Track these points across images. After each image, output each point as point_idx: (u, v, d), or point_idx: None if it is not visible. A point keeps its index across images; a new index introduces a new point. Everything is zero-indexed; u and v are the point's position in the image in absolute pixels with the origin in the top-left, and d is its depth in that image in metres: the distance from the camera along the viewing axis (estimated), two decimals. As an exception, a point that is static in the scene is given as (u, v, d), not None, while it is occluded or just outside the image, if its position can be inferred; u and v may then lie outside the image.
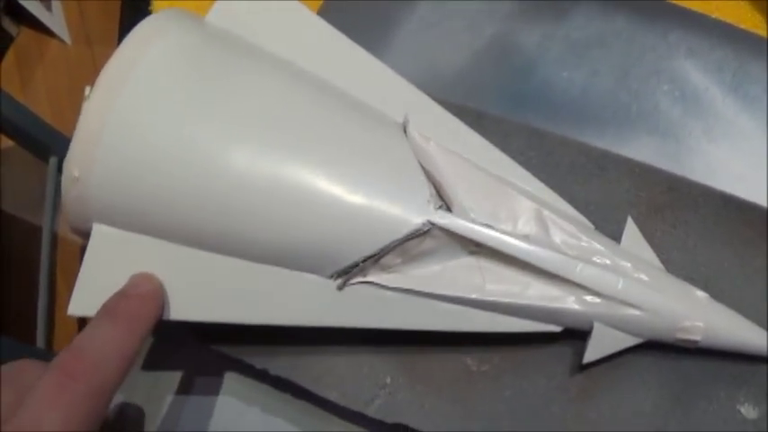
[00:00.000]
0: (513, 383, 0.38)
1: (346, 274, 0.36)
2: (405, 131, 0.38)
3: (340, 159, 0.36)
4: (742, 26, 0.49)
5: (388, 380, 0.38)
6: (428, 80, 0.47)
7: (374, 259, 0.36)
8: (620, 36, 0.47)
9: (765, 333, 0.37)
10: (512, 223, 0.37)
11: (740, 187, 0.44)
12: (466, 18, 0.48)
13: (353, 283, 0.36)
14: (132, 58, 0.34)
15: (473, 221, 0.36)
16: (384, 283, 0.36)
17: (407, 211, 0.35)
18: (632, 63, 0.47)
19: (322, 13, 0.49)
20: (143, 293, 0.33)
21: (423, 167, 0.37)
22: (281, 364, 0.38)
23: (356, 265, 0.36)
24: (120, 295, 0.32)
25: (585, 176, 0.40)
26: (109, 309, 0.32)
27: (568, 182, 0.40)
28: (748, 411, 0.37)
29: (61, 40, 1.44)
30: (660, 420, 0.37)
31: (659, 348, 0.37)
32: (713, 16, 0.48)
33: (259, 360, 0.39)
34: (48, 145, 0.93)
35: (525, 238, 0.36)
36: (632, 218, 0.39)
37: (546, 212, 0.37)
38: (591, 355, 0.36)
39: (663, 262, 0.38)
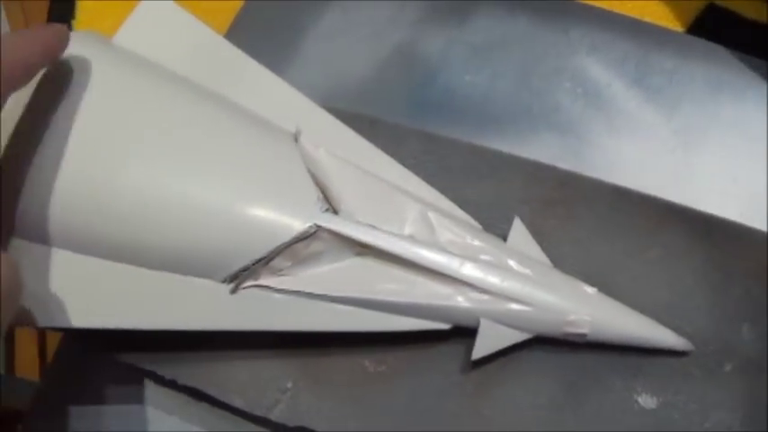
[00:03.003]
0: (409, 382, 0.38)
1: (237, 278, 0.37)
2: (296, 141, 0.39)
3: (229, 168, 0.38)
4: (646, 19, 0.50)
5: (290, 384, 0.39)
6: (334, 90, 0.48)
7: (263, 262, 0.37)
8: (521, 37, 0.48)
9: (656, 325, 0.37)
10: (397, 224, 0.38)
11: (642, 178, 0.45)
12: (371, 26, 0.49)
13: (246, 287, 0.37)
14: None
15: (358, 223, 0.37)
16: (275, 286, 0.37)
17: (294, 214, 0.37)
18: (534, 63, 0.48)
19: (233, 28, 0.50)
20: None
21: (311, 174, 0.38)
22: (188, 372, 0.39)
23: (246, 268, 0.37)
24: None
25: (478, 177, 0.41)
26: None
27: (461, 183, 0.41)
28: (646, 401, 0.38)
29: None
30: (556, 413, 0.37)
31: (553, 342, 0.38)
32: (615, 11, 0.49)
33: (168, 370, 0.40)
34: None
35: (410, 238, 0.37)
36: (525, 215, 0.40)
37: (431, 214, 0.38)
38: (479, 351, 0.37)
39: (556, 257, 0.39)
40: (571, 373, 0.38)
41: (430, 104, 0.47)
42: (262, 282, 0.38)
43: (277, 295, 0.38)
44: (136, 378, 0.42)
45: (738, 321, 0.39)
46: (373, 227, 0.37)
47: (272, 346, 0.39)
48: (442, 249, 0.37)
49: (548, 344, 0.38)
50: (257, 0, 0.51)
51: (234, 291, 0.38)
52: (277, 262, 0.38)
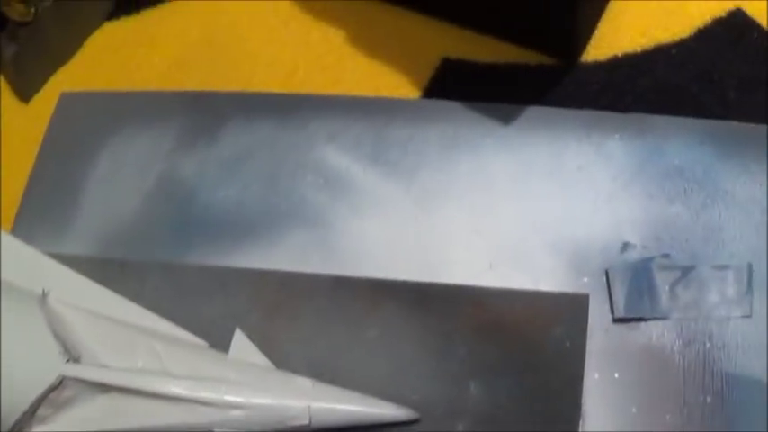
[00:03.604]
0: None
1: (16, 429, 0.41)
2: (44, 301, 0.43)
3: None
4: (381, 94, 0.52)
5: None
6: (111, 234, 0.52)
7: (29, 415, 0.41)
8: (265, 142, 0.51)
9: (375, 401, 0.40)
10: (131, 360, 0.41)
11: (389, 250, 0.47)
12: (136, 163, 0.53)
13: None
14: None
15: (96, 366, 0.41)
16: (44, 431, 0.41)
17: (43, 370, 0.41)
18: (278, 164, 0.51)
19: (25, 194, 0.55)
20: None
21: (55, 330, 0.42)
22: None
23: (19, 422, 0.41)
24: None
25: (210, 296, 0.44)
26: None
27: (196, 303, 0.44)
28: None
29: None
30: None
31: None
32: (348, 95, 0.52)
33: None
34: None
35: (140, 370, 0.41)
36: (252, 322, 0.43)
37: (158, 344, 0.42)
38: None
39: (283, 355, 0.42)
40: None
41: (190, 227, 0.50)
42: (35, 429, 0.42)
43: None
44: None
45: (464, 380, 0.40)
46: (108, 367, 0.40)
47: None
48: (169, 374, 0.40)
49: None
50: (44, 157, 0.56)
51: (18, 441, 0.41)
52: (41, 411, 0.42)
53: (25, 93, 0.64)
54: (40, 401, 0.41)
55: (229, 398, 0.39)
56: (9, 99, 0.65)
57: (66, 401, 0.41)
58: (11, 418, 0.41)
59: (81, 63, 0.64)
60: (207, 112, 0.54)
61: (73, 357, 0.42)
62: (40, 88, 0.64)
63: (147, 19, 0.64)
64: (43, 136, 0.58)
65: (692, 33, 0.53)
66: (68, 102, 0.58)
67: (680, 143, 0.48)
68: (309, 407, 0.39)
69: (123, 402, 0.41)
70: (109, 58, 0.63)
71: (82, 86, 0.62)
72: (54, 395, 0.41)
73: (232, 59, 0.59)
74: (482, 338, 0.41)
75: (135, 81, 0.61)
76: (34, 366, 0.41)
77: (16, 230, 0.53)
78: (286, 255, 0.47)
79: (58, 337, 0.42)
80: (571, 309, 0.41)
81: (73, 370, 0.41)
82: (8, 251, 0.46)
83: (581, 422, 0.41)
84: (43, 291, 0.44)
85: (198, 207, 0.51)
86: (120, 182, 0.54)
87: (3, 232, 0.47)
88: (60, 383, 0.41)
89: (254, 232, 0.49)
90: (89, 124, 0.57)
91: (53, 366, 0.41)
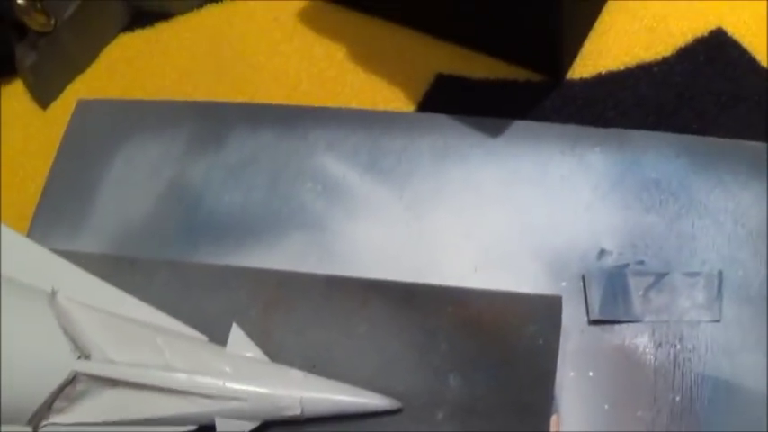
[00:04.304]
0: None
1: (34, 420, 0.44)
2: (53, 299, 0.46)
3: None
4: (378, 107, 0.56)
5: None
6: (122, 234, 0.56)
7: (45, 407, 0.44)
8: (268, 149, 0.55)
9: (361, 391, 0.43)
10: (136, 355, 0.44)
11: (382, 253, 0.50)
12: (148, 167, 0.56)
13: (43, 427, 0.45)
14: None
15: (105, 362, 0.44)
16: (60, 422, 0.45)
17: (57, 366, 0.44)
18: (280, 170, 0.54)
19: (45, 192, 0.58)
20: None
21: (64, 328, 0.45)
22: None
23: (37, 413, 0.44)
24: None
25: (213, 292, 0.47)
26: None
27: (201, 300, 0.47)
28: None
29: None
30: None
31: (284, 424, 0.43)
32: (346, 107, 0.55)
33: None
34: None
35: (143, 365, 0.44)
36: (251, 317, 0.46)
37: (160, 339, 0.45)
38: None
39: (279, 349, 0.45)
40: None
41: (197, 228, 0.54)
42: (51, 420, 0.45)
43: (64, 428, 0.45)
44: None
45: (445, 373, 0.43)
46: (114, 363, 0.44)
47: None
48: (171, 368, 0.43)
49: (280, 426, 0.43)
50: (61, 161, 0.59)
51: (35, 431, 0.45)
52: (57, 404, 0.45)
53: (43, 99, 0.68)
54: (55, 395, 0.44)
55: (226, 390, 0.42)
56: (28, 105, 0.68)
57: (78, 395, 0.45)
58: (29, 411, 0.45)
59: (97, 72, 0.68)
60: (214, 121, 0.58)
61: (83, 353, 0.45)
62: (58, 95, 0.68)
63: (160, 32, 0.68)
64: (60, 140, 0.61)
65: (674, 52, 0.56)
66: (85, 108, 0.62)
67: (657, 156, 0.51)
68: (301, 397, 0.42)
69: (130, 395, 0.44)
70: (123, 68, 0.67)
71: (97, 94, 0.66)
72: (68, 389, 0.45)
73: (239, 72, 0.63)
74: (462, 335, 0.43)
75: (148, 90, 0.64)
76: (48, 363, 0.45)
77: (33, 228, 0.57)
78: (285, 255, 0.50)
79: (68, 334, 0.46)
80: (545, 309, 0.43)
81: (84, 366, 0.44)
82: (19, 251, 0.50)
83: (555, 414, 0.43)
84: (52, 289, 0.48)
85: (204, 209, 0.54)
86: (132, 185, 0.57)
87: (14, 232, 0.50)
88: (73, 379, 0.44)
89: (256, 234, 0.53)
90: (104, 130, 0.60)
91: (66, 363, 0.44)
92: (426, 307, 0.45)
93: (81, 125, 0.61)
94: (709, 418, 0.44)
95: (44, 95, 0.67)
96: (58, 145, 0.61)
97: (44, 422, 0.45)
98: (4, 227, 0.50)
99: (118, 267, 0.49)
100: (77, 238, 0.55)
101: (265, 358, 0.44)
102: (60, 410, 0.45)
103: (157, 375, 0.43)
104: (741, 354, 0.45)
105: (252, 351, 0.44)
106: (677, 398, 0.45)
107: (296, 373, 0.43)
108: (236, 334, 0.45)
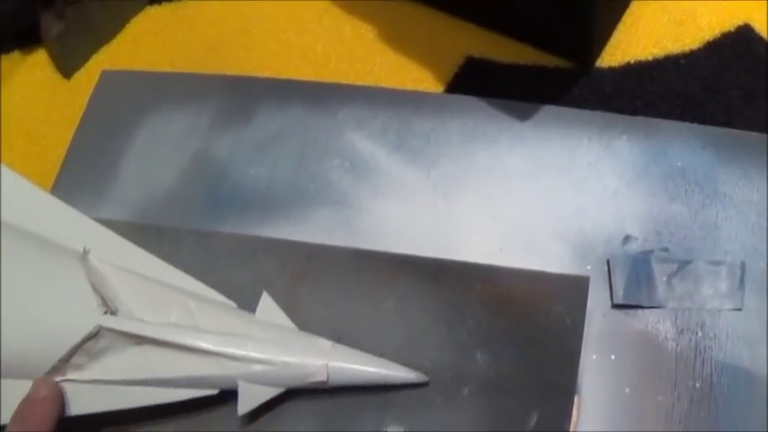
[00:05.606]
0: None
1: (51, 375, 0.44)
2: (84, 258, 0.47)
3: (21, 294, 0.45)
4: (407, 87, 0.56)
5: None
6: (145, 203, 0.56)
7: (64, 361, 0.44)
8: (296, 126, 0.55)
9: (389, 363, 0.43)
10: (165, 315, 0.45)
11: (408, 232, 0.51)
12: (173, 140, 0.56)
13: (60, 382, 0.44)
14: None
15: (133, 319, 0.44)
16: (78, 378, 0.45)
17: (81, 320, 0.44)
18: (308, 147, 0.54)
19: (66, 161, 0.58)
20: (43, 397, 0.42)
21: (94, 285, 0.46)
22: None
23: (54, 367, 0.44)
24: (26, 400, 0.41)
25: (240, 262, 0.47)
26: (18, 414, 0.41)
27: (228, 269, 0.47)
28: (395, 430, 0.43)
29: None
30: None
31: (310, 391, 0.44)
32: (376, 86, 0.55)
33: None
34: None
35: (173, 325, 0.44)
36: (280, 288, 0.46)
37: (191, 302, 0.45)
38: (243, 407, 0.43)
39: (307, 319, 0.45)
40: (327, 415, 0.43)
41: (222, 201, 0.54)
42: (68, 376, 0.45)
43: (81, 386, 0.45)
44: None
45: (472, 349, 0.44)
46: (143, 321, 0.44)
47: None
48: (200, 330, 0.44)
49: (305, 393, 0.44)
50: (83, 131, 0.59)
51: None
52: (76, 359, 0.45)
53: (67, 69, 0.68)
54: (75, 349, 0.44)
55: (254, 354, 0.42)
56: (51, 74, 0.68)
57: (100, 351, 0.45)
58: (47, 364, 0.45)
59: (122, 43, 0.68)
60: (242, 96, 0.58)
61: (110, 311, 0.45)
62: (82, 65, 0.68)
63: (187, 5, 0.68)
64: (84, 110, 0.61)
65: (701, 45, 0.57)
66: (109, 79, 0.62)
67: (683, 147, 0.51)
68: (327, 365, 0.42)
69: (155, 354, 0.44)
70: (149, 41, 0.67)
71: (122, 66, 0.66)
72: (90, 345, 0.44)
73: (267, 48, 0.63)
74: (490, 312, 0.44)
75: (173, 63, 0.64)
76: (73, 316, 0.44)
77: (55, 194, 0.57)
78: (310, 230, 0.51)
79: (97, 291, 0.46)
80: (572, 289, 0.44)
81: (110, 321, 0.44)
82: (53, 212, 0.50)
83: (576, 396, 0.44)
84: (84, 248, 0.48)
85: (230, 183, 0.54)
86: (156, 156, 0.57)
87: (49, 195, 0.50)
88: (97, 333, 0.44)
89: (282, 208, 0.53)
90: (128, 101, 0.60)
91: (91, 317, 0.44)
92: (455, 283, 0.45)
93: (105, 96, 0.61)
94: (728, 405, 0.44)
95: (68, 65, 0.68)
96: (80, 115, 0.61)
97: (59, 378, 0.44)
98: (41, 190, 0.50)
99: (143, 234, 0.49)
100: (99, 207, 0.56)
101: (294, 326, 0.44)
102: (78, 367, 0.45)
103: (186, 335, 0.43)
104: (761, 343, 0.46)
105: (281, 319, 0.45)
106: (697, 384, 0.45)
107: (324, 342, 0.43)
108: (266, 302, 0.45)
